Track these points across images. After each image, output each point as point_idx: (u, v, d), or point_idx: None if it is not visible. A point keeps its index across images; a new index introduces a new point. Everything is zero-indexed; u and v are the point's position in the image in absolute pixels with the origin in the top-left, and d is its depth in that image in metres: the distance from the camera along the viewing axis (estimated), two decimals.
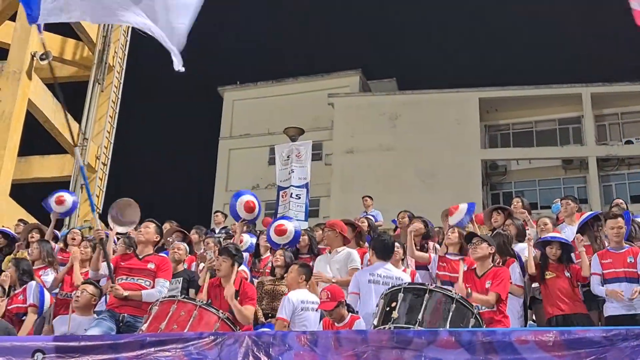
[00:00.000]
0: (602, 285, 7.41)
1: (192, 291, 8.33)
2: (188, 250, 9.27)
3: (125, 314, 7.18)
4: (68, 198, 11.22)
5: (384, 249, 7.44)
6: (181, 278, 8.57)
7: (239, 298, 7.10)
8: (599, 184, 32.58)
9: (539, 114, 35.28)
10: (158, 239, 7.95)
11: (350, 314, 6.84)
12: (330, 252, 8.56)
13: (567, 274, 7.66)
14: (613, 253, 7.53)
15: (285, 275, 8.04)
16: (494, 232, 8.38)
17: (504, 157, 35.34)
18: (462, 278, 6.60)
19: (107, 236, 7.85)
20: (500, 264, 7.61)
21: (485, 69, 63.04)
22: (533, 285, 8.25)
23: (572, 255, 7.91)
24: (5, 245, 10.74)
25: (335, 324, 6.74)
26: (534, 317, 8.36)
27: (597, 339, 4.58)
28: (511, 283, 7.37)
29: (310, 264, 8.33)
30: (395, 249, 8.22)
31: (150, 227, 7.81)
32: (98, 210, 21.37)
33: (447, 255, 8.25)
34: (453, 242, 8.10)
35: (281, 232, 9.50)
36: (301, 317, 7.24)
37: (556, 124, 35.41)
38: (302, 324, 7.16)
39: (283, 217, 10.56)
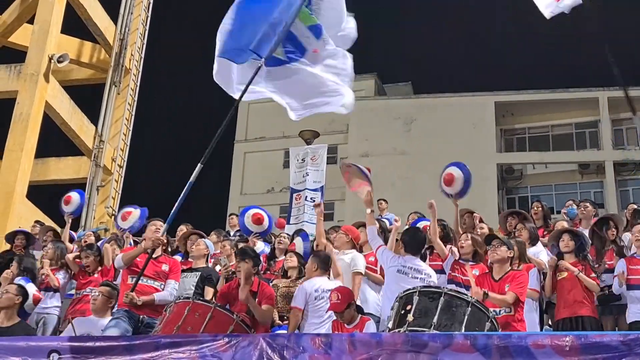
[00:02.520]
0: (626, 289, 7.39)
1: (207, 289, 8.30)
2: (209, 246, 9.19)
3: (145, 316, 7.22)
4: (74, 195, 11.28)
5: (415, 243, 7.42)
6: (199, 273, 8.54)
7: (257, 299, 7.10)
8: (615, 189, 32.35)
9: (556, 118, 35.10)
10: (166, 239, 7.97)
11: (360, 315, 6.82)
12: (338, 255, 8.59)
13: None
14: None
15: (299, 276, 8.09)
16: (510, 238, 8.28)
17: (520, 162, 35.17)
18: (475, 282, 6.57)
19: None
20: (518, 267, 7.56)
21: (501, 72, 62.85)
22: None
23: (588, 254, 7.86)
24: (26, 245, 10.81)
25: (345, 325, 6.72)
26: (549, 322, 8.30)
27: (615, 344, 4.53)
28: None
29: None
30: None
31: (162, 228, 7.82)
32: (114, 211, 21.47)
33: (460, 261, 8.17)
34: (467, 251, 8.01)
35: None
36: (315, 306, 7.23)
37: (573, 128, 35.21)
38: (317, 313, 7.16)
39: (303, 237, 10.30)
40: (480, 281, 6.90)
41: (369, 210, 7.85)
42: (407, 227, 10.25)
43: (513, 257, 7.12)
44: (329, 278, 7.62)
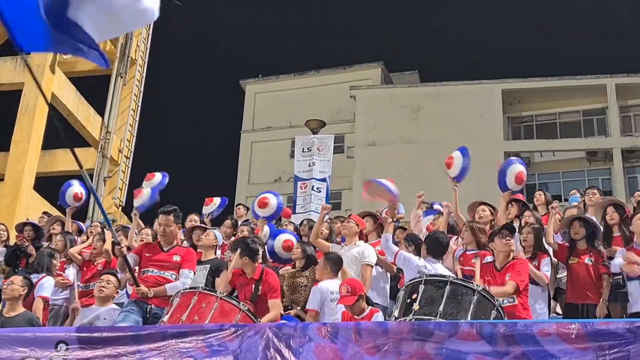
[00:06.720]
0: (627, 281, 7.34)
1: (217, 281, 8.29)
2: (218, 237, 9.21)
3: (152, 305, 7.22)
4: (82, 191, 11.21)
5: (436, 246, 7.47)
6: (209, 265, 8.51)
7: (261, 289, 7.10)
8: (623, 176, 32.21)
9: (563, 106, 34.94)
10: (179, 229, 7.93)
11: (369, 307, 6.81)
12: (346, 245, 8.56)
13: (589, 261, 7.57)
14: (639, 250, 7.43)
15: (305, 267, 8.13)
16: (529, 225, 8.20)
17: (527, 149, 35.02)
18: (479, 274, 6.59)
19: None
20: (532, 256, 7.57)
21: (508, 60, 62.63)
22: (558, 275, 8.18)
23: (597, 241, 7.83)
24: (34, 237, 10.82)
25: (355, 317, 6.72)
26: (557, 309, 8.29)
27: (621, 332, 4.52)
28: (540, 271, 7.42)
29: None
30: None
31: (172, 224, 7.70)
32: (121, 202, 21.52)
33: (466, 252, 8.15)
34: (468, 241, 7.99)
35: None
36: (332, 308, 7.22)
37: (580, 116, 35.04)
38: (334, 315, 7.13)
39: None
40: (484, 271, 6.91)
41: (390, 220, 7.95)
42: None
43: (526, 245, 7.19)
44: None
